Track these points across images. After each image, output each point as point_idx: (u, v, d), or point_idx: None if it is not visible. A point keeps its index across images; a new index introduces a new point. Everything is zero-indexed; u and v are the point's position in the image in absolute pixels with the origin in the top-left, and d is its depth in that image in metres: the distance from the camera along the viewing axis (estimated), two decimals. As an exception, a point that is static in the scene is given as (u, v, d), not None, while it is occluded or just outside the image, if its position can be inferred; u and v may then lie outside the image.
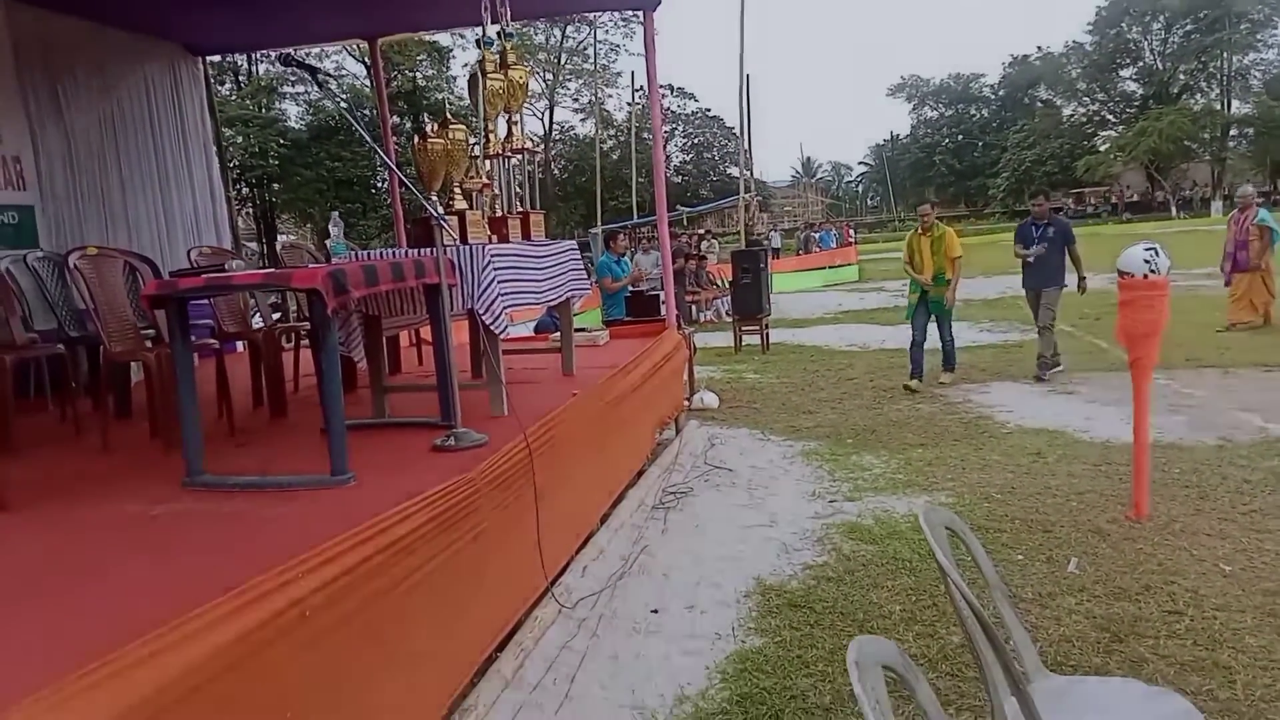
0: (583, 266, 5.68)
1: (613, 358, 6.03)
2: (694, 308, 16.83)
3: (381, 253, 4.27)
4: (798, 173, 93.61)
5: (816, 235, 32.55)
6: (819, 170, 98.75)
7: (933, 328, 8.68)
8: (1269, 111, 57.66)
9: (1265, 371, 8.37)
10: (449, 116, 4.60)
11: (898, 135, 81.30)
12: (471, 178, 4.97)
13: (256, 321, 5.80)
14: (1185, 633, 3.36)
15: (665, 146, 65.17)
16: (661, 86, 64.32)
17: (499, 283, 4.22)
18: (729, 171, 64.63)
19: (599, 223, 24.35)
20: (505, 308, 4.22)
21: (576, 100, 60.97)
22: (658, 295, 8.53)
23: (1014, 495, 5.18)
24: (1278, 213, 11.73)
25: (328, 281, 3.08)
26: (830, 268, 26.98)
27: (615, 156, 55.18)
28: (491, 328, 4.14)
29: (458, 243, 4.23)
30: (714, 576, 4.29)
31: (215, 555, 2.53)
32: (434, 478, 3.09)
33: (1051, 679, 2.27)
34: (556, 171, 61.10)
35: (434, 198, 4.28)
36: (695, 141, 68.41)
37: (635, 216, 27.03)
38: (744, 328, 12.28)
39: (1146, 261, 4.41)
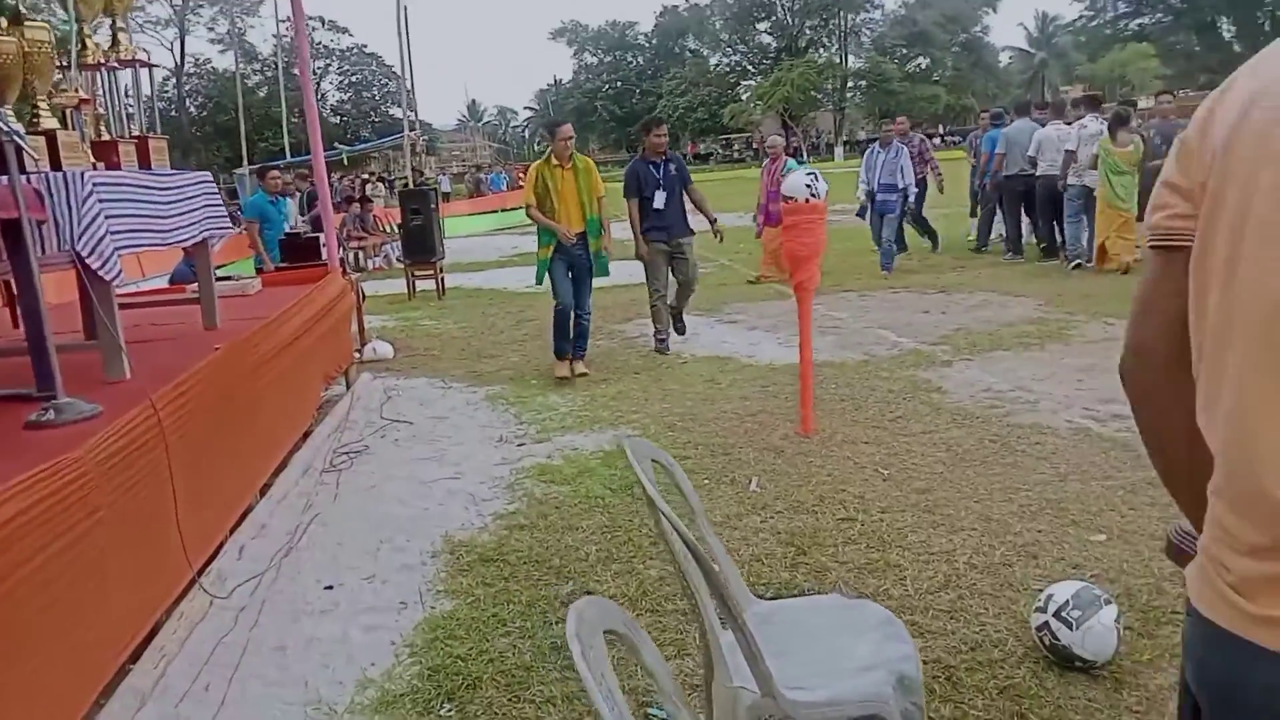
0: (222, 203, 4.91)
1: (266, 308, 5.33)
2: (361, 254, 15.85)
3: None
4: (464, 117, 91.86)
5: (487, 177, 32.09)
6: (485, 114, 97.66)
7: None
8: (877, 66, 65.57)
9: (893, 293, 9.36)
10: (22, 11, 3.68)
11: (561, 80, 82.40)
12: (64, 91, 4.06)
13: None
14: (859, 537, 3.54)
15: (319, 84, 60.93)
16: (312, 19, 59.79)
17: (106, 218, 3.45)
18: (391, 112, 61.80)
19: (245, 164, 22.13)
20: (117, 249, 3.46)
21: (212, 30, 55.02)
22: (317, 238, 7.77)
23: (695, 421, 5.28)
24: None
25: None
26: (503, 210, 26.71)
27: (263, 94, 50.66)
28: (100, 273, 3.39)
29: (44, 168, 3.39)
30: (396, 539, 3.91)
31: None
32: (23, 463, 2.43)
33: (758, 605, 2.19)
34: (194, 109, 55.02)
35: (7, 111, 3.39)
36: (353, 80, 64.68)
37: (289, 157, 24.93)
38: (417, 273, 11.69)
39: (808, 186, 4.59)
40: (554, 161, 6.42)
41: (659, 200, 7.01)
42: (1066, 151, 10.08)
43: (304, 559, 3.80)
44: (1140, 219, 10.20)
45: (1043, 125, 10.88)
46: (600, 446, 4.94)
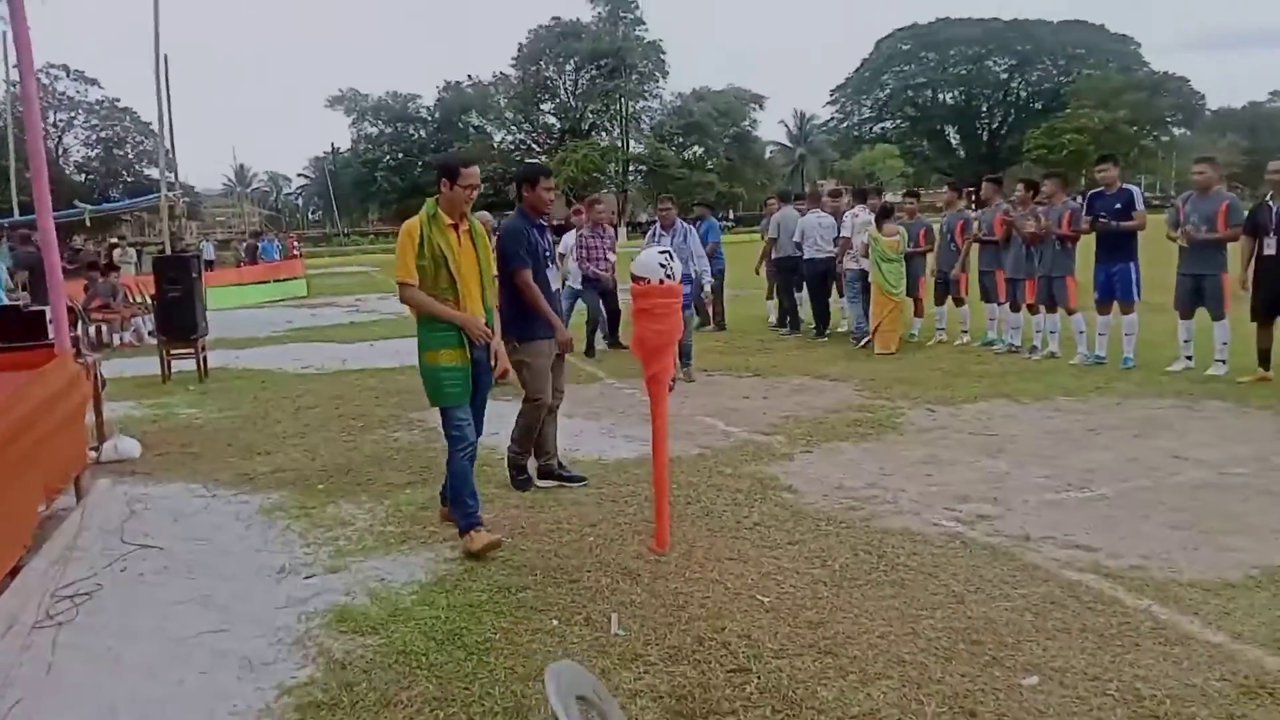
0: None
1: (-41, 404, 4.05)
2: (105, 328, 13.83)
3: None
4: (230, 181, 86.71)
5: (260, 245, 29.83)
6: (254, 180, 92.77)
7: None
8: (656, 151, 68.40)
9: (709, 377, 8.98)
10: None
11: (339, 148, 79.78)
12: None
13: None
14: (759, 697, 2.86)
15: (62, 138, 55.60)
16: (54, 67, 54.55)
17: None
18: (147, 173, 57.11)
19: (-40, 222, 19.15)
20: None
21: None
22: (42, 311, 6.34)
23: (526, 537, 4.47)
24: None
25: None
26: (275, 281, 24.77)
27: (-9, 145, 45.14)
28: None
29: None
30: (138, 735, 2.83)
31: None
32: None
33: None
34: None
35: None
36: (102, 135, 59.31)
37: (17, 214, 21.90)
38: (174, 351, 10.12)
39: (662, 265, 4.01)
40: (445, 220, 4.31)
41: (553, 279, 5.28)
42: (842, 238, 10.82)
43: (-8, 777, 2.65)
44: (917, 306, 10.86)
45: (803, 214, 11.78)
46: (414, 576, 4.02)
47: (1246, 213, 7.62)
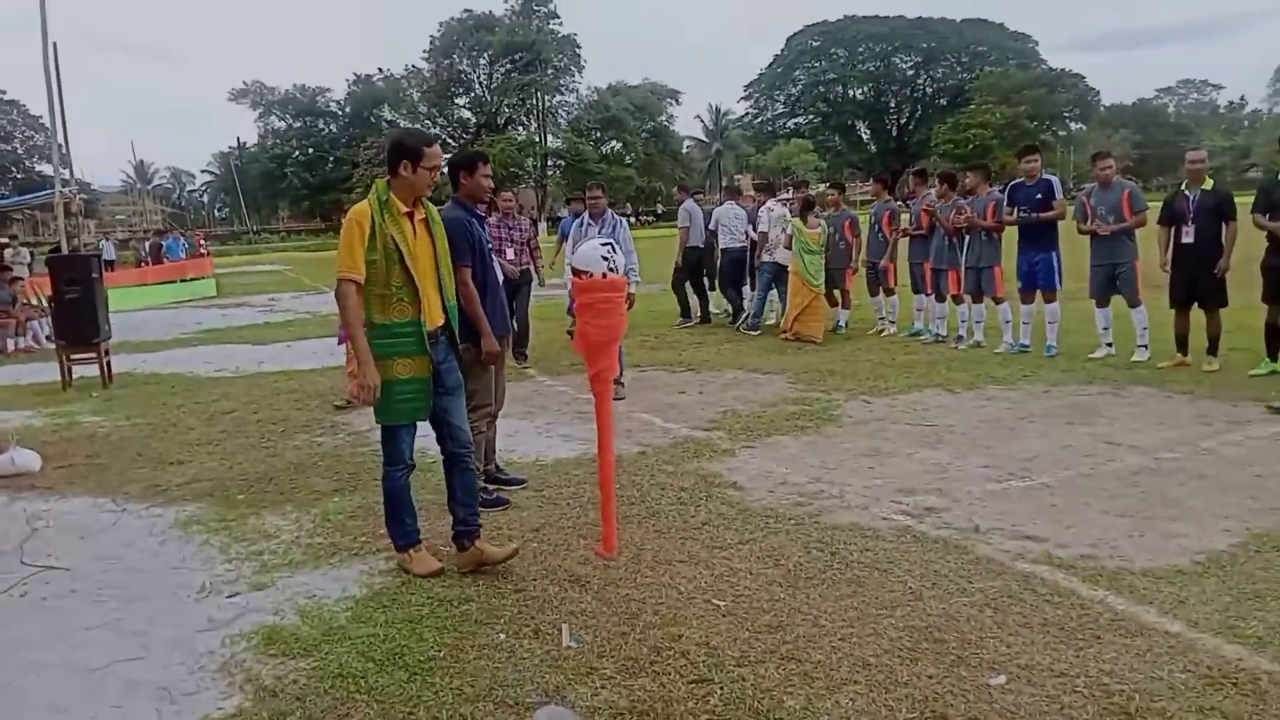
0: None
1: None
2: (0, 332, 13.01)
3: None
4: (130, 178, 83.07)
5: (164, 243, 28.62)
6: (156, 176, 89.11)
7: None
8: (575, 146, 68.07)
9: (642, 372, 8.84)
10: None
11: (245, 143, 77.27)
12: None
13: None
14: (724, 710, 2.73)
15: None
16: (-69, 57, 51.33)
17: None
18: (39, 169, 54.41)
19: None
20: None
21: None
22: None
23: (465, 545, 4.26)
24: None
25: None
26: (182, 281, 23.78)
27: None
28: None
29: None
30: (45, 783, 2.56)
31: None
32: None
33: None
34: None
35: None
36: (-15, 130, 56.22)
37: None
38: (74, 356, 9.53)
39: (605, 259, 3.84)
40: (399, 207, 3.75)
41: (500, 271, 4.89)
42: (760, 232, 10.99)
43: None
44: (831, 296, 10.94)
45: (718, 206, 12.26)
46: (347, 591, 3.79)
47: (1163, 202, 7.83)
